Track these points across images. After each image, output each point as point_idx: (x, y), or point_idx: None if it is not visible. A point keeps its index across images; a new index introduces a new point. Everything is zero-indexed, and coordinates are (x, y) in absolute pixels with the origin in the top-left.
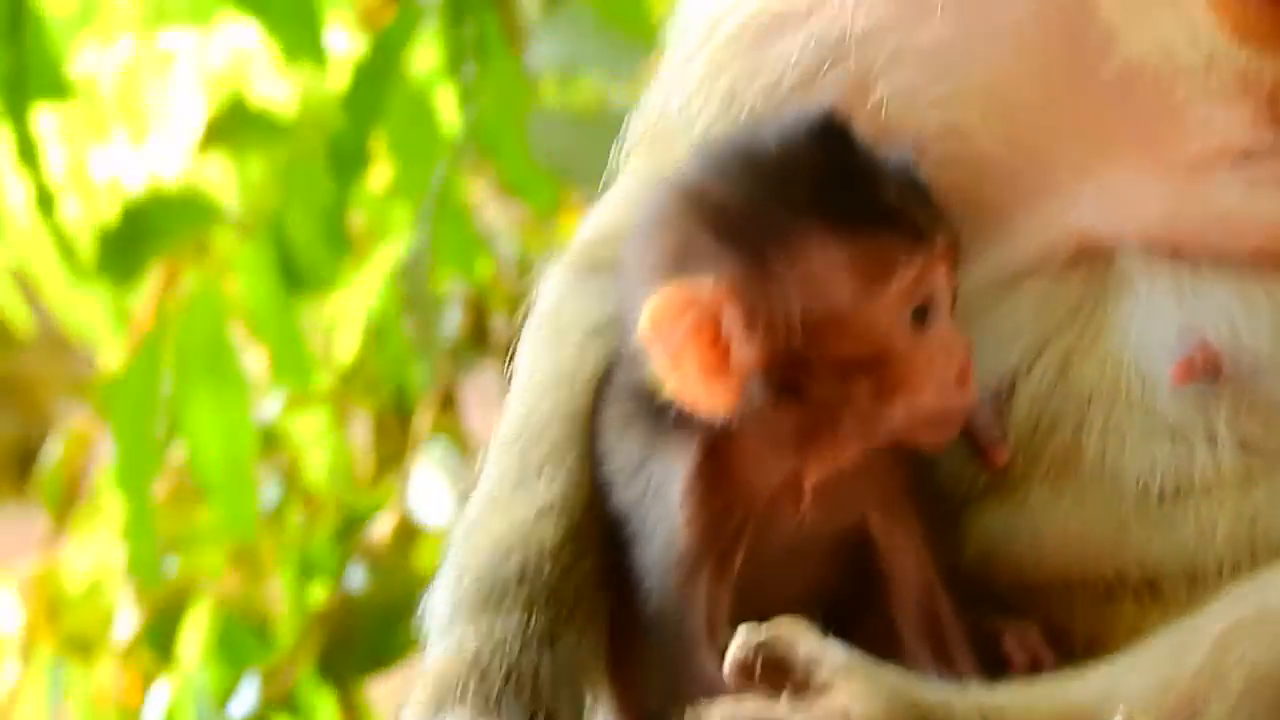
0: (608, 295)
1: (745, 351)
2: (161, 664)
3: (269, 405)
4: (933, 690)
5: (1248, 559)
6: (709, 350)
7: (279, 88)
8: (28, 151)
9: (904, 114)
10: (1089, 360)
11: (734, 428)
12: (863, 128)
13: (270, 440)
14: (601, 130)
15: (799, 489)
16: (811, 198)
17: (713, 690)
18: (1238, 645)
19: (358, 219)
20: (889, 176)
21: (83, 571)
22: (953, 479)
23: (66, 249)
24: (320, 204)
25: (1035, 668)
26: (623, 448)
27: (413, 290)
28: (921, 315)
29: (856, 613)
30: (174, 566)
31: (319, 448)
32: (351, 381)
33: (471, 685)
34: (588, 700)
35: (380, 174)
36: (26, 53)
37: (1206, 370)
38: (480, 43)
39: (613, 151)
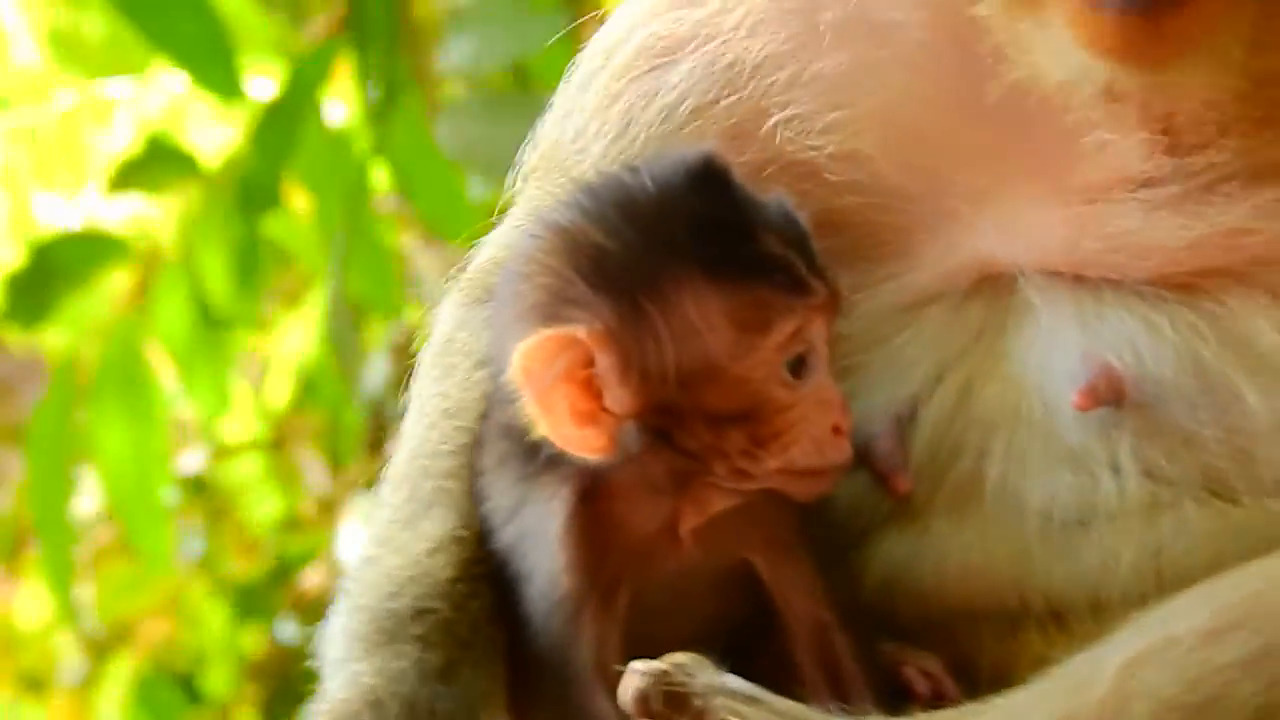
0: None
1: (618, 399)
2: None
3: (197, 453)
4: None
5: (1153, 589)
6: (580, 396)
7: (211, 133)
8: None
9: (800, 140)
10: (991, 386)
11: (608, 472)
12: (757, 156)
13: (200, 486)
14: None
15: (675, 533)
16: (689, 246)
17: None
18: (1141, 675)
19: (293, 264)
20: (768, 224)
21: (36, 612)
22: (854, 508)
23: None
24: (233, 243)
25: (938, 699)
26: (499, 487)
27: (336, 334)
28: (798, 368)
29: (755, 647)
30: (107, 611)
31: (252, 492)
32: (285, 427)
33: None
34: None
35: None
36: None
37: (1110, 396)
38: (390, 82)
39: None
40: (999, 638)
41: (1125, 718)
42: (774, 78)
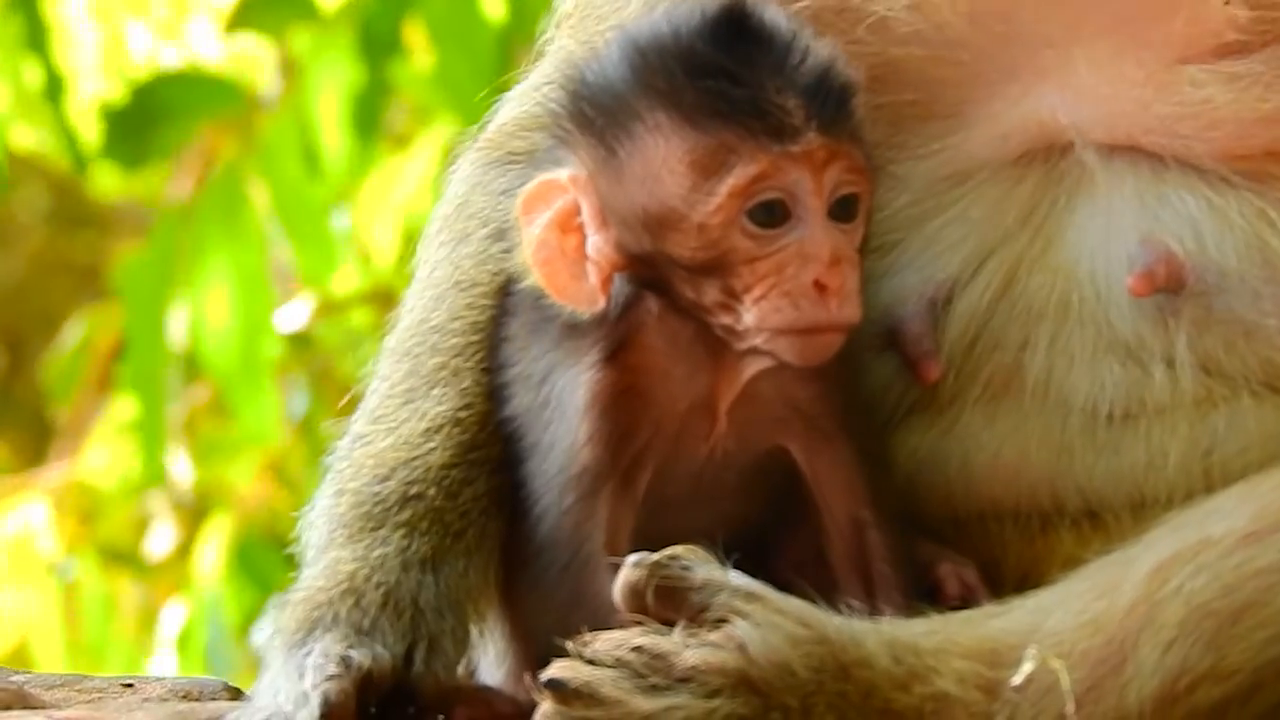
0: (517, 193)
1: (597, 245)
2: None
3: (299, 308)
4: (842, 625)
5: (1201, 489)
6: (568, 242)
7: None
8: (38, 37)
9: None
10: (1039, 271)
11: (637, 335)
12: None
13: (304, 342)
14: None
15: (713, 411)
16: (669, 88)
17: (610, 615)
18: (1175, 578)
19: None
20: (777, 71)
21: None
22: (879, 394)
23: (71, 135)
24: (352, 90)
25: (967, 603)
26: (528, 356)
27: None
28: (768, 218)
29: (783, 543)
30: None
31: (354, 351)
32: (393, 281)
33: (344, 610)
34: (474, 629)
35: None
36: None
37: (1169, 283)
38: None
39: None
40: (1027, 538)
41: (1155, 623)
42: None
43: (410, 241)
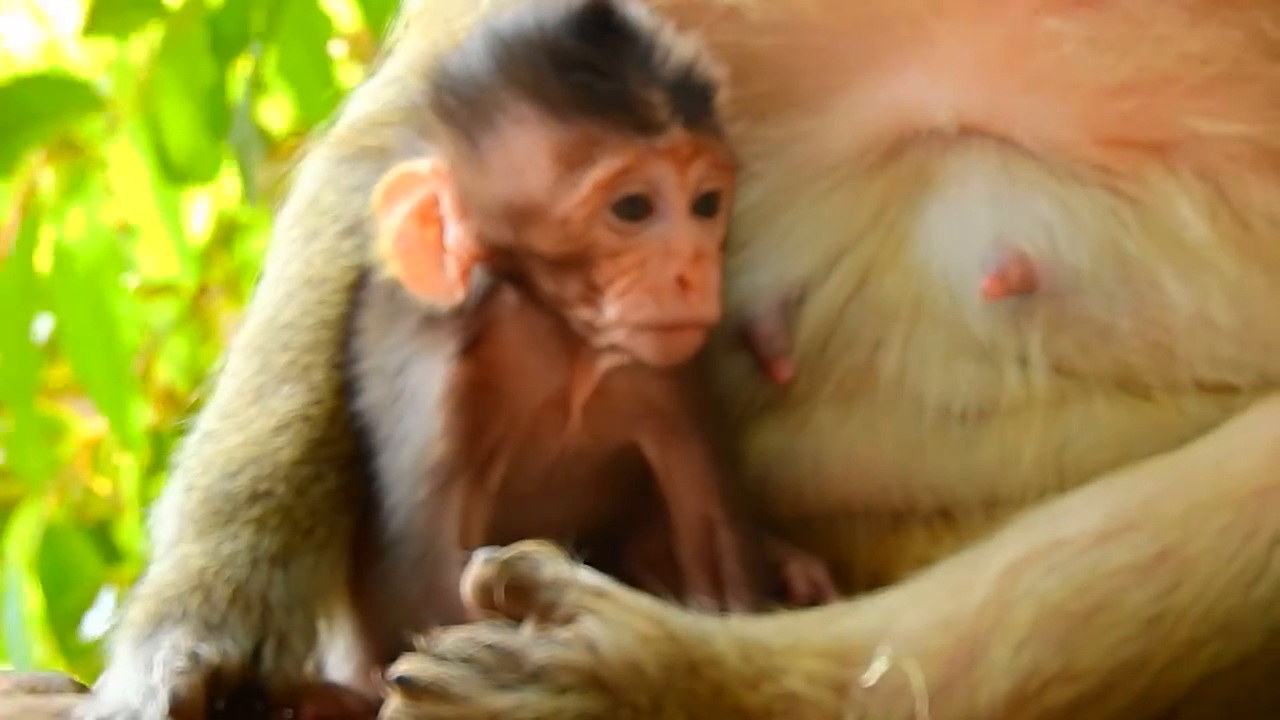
0: (369, 189)
1: (457, 237)
2: None
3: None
4: (691, 623)
5: (1054, 487)
6: (427, 233)
7: None
8: None
9: None
10: (892, 270)
11: (493, 329)
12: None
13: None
14: None
15: (567, 406)
16: (534, 80)
17: (461, 611)
18: (1025, 578)
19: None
20: (641, 65)
21: None
22: (731, 394)
23: None
24: (200, 86)
25: (815, 602)
26: (382, 348)
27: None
28: (632, 211)
29: (635, 540)
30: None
31: (175, 340)
32: (209, 272)
33: (193, 606)
34: (323, 626)
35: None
36: None
37: (1022, 285)
38: None
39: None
40: (879, 536)
41: (1007, 624)
42: None
43: (224, 231)
